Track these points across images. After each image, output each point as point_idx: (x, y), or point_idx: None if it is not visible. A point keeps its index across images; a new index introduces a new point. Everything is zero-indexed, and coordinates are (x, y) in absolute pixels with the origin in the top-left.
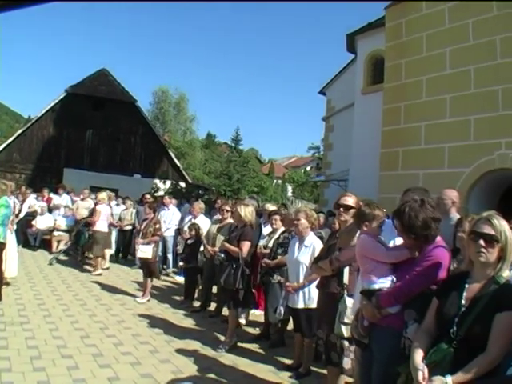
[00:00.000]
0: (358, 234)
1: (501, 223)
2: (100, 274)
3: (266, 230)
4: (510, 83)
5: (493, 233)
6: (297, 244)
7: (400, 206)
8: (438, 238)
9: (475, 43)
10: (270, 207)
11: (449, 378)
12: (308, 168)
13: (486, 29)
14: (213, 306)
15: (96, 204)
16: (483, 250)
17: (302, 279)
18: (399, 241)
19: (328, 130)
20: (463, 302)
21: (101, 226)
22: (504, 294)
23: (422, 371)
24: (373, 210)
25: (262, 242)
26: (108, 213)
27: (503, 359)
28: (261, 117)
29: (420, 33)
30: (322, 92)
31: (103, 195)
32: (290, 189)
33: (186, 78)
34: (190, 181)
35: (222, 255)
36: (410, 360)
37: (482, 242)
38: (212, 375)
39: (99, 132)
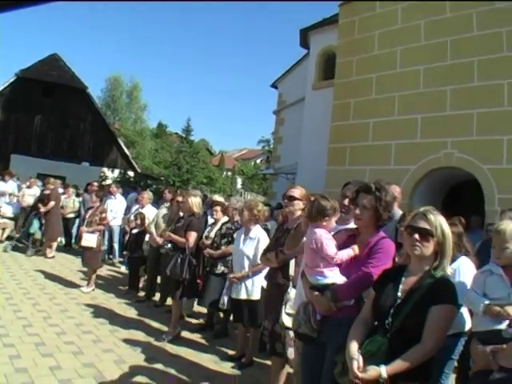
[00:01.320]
0: (309, 228)
1: (436, 218)
2: None
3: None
4: (459, 84)
5: (428, 227)
6: (242, 236)
7: (370, 189)
8: (380, 231)
9: (426, 44)
10: (218, 198)
11: (383, 368)
12: (258, 161)
13: (437, 30)
14: (157, 296)
15: None
16: (418, 243)
17: (246, 270)
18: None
19: (278, 124)
20: (399, 294)
21: None
22: (439, 287)
23: (357, 360)
24: (333, 203)
25: (204, 233)
26: None
27: (442, 353)
28: (213, 108)
29: (372, 31)
30: (273, 85)
31: None
32: (239, 181)
33: (138, 67)
34: (138, 170)
35: (169, 245)
36: (346, 350)
37: (416, 235)
38: (155, 365)
39: (48, 118)
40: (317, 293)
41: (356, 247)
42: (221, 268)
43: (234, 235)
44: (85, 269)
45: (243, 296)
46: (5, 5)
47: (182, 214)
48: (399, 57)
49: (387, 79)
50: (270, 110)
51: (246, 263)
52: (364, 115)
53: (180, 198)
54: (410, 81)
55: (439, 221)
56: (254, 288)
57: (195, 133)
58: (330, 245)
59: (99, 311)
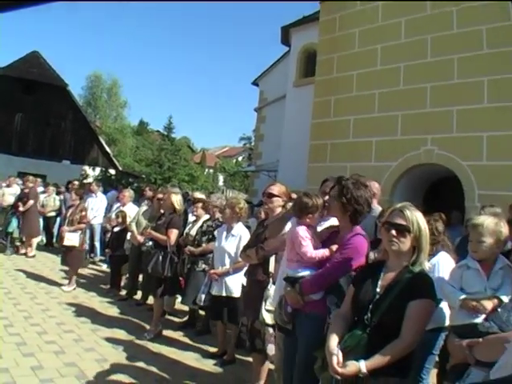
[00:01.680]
0: (291, 223)
1: (413, 214)
2: None
3: (193, 218)
4: (439, 81)
5: (404, 223)
6: (224, 233)
7: (340, 181)
8: (358, 227)
9: (407, 41)
10: (199, 196)
11: (362, 363)
12: (240, 158)
13: (417, 28)
14: (139, 295)
15: None
16: (395, 239)
17: (227, 267)
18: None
19: (260, 121)
20: (378, 289)
21: None
22: (417, 282)
23: (337, 356)
24: (315, 200)
25: (185, 230)
26: None
27: (423, 348)
28: (194, 106)
29: (353, 28)
30: (255, 83)
31: None
32: (221, 178)
33: (119, 65)
34: (120, 168)
35: (150, 243)
36: (326, 345)
37: (393, 231)
38: (137, 363)
39: (29, 116)
40: (288, 286)
41: (334, 247)
42: (202, 265)
43: (215, 233)
44: (66, 268)
45: (224, 293)
46: (5, 5)
47: (162, 211)
48: (380, 54)
49: (368, 76)
50: (251, 108)
51: (227, 261)
52: (345, 112)
53: (161, 196)
54: (390, 78)
55: (416, 216)
56: (234, 285)
57: (177, 130)
58: (305, 244)
59: (81, 310)
